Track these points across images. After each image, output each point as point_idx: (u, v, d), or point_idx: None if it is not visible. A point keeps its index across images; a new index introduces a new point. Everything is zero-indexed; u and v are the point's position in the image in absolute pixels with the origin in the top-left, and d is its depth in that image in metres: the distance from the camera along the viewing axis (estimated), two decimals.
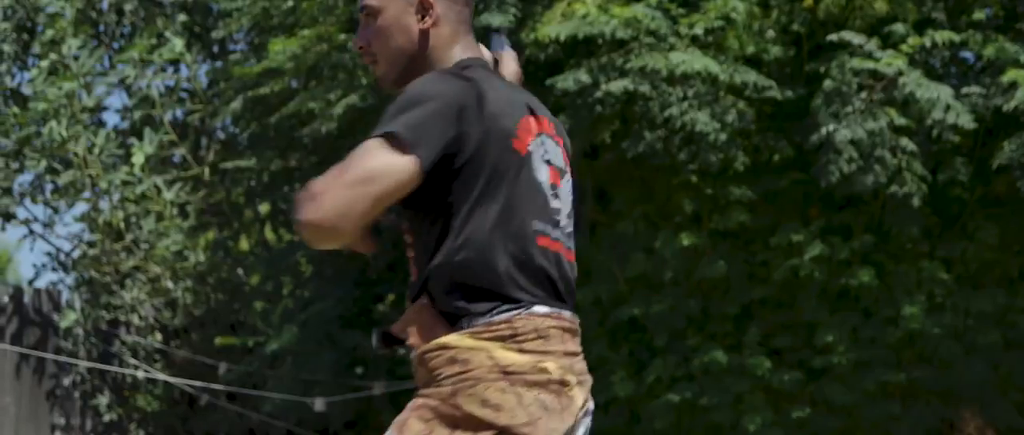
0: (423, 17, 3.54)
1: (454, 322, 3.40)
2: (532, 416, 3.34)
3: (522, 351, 3.37)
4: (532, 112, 3.51)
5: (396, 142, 3.29)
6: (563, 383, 3.39)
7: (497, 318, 3.39)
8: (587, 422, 3.50)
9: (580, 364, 3.49)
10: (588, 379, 3.50)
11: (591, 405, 3.50)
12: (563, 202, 3.54)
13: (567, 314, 3.48)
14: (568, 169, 3.59)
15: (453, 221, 3.41)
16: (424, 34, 3.55)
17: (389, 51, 3.57)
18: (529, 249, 3.43)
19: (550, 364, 3.38)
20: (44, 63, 11.09)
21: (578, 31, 7.83)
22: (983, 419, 8.71)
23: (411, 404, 3.40)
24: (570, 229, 3.57)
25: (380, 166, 3.30)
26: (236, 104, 9.86)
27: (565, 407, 3.39)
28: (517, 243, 3.42)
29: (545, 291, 3.44)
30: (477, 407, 3.34)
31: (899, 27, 7.94)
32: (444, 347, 3.39)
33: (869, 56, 7.79)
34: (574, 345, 3.49)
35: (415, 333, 3.44)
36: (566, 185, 3.57)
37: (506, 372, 3.35)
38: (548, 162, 3.51)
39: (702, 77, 7.78)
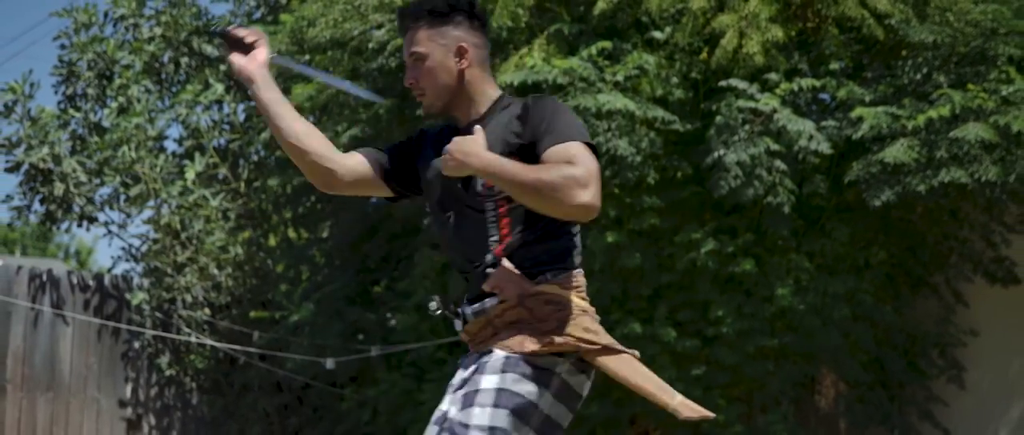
0: (460, 59, 3.60)
1: (533, 277, 3.51)
2: (611, 341, 3.52)
3: (583, 299, 3.56)
4: None
5: (592, 149, 3.44)
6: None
7: (574, 273, 3.58)
8: None
9: None
10: None
11: None
12: None
13: None
14: None
15: None
16: (461, 72, 3.61)
17: (436, 86, 3.63)
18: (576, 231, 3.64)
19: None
20: (114, 104, 11.05)
21: (528, 78, 7.70)
22: (837, 375, 8.69)
23: (516, 337, 3.49)
24: None
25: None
26: (266, 134, 9.81)
27: None
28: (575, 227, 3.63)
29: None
30: (581, 332, 3.47)
31: (773, 75, 7.88)
32: (541, 293, 3.50)
33: (751, 97, 7.74)
34: None
35: (509, 285, 3.51)
36: None
37: (584, 311, 3.52)
38: None
39: (622, 113, 7.67)
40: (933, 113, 7.33)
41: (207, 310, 11.26)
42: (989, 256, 8.55)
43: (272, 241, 11.93)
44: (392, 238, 10.62)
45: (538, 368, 3.46)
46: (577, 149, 3.40)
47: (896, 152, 7.32)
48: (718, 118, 7.75)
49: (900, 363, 8.52)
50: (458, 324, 3.66)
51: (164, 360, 11.28)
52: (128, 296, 11.18)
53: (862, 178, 7.55)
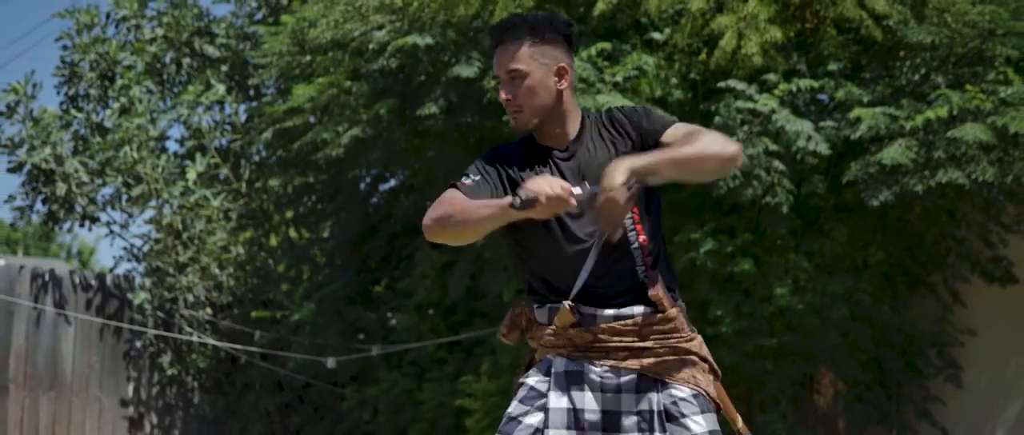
0: (560, 79, 3.60)
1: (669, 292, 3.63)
2: None
3: None
4: None
5: None
6: None
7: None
8: None
9: None
10: None
11: None
12: None
13: None
14: None
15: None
16: (560, 93, 3.61)
17: (534, 105, 3.58)
18: None
19: None
20: (116, 105, 11.06)
21: None
22: (835, 374, 8.68)
23: (674, 359, 3.59)
24: None
25: None
26: (267, 134, 9.79)
27: None
28: None
29: None
30: (708, 354, 3.66)
31: (772, 76, 7.85)
32: (682, 310, 3.63)
33: (749, 98, 7.71)
34: None
35: (667, 300, 3.58)
36: None
37: None
38: None
39: None
40: (931, 114, 7.32)
41: (209, 310, 11.27)
42: (986, 256, 8.54)
43: (273, 241, 11.95)
44: (392, 238, 10.63)
45: (714, 400, 3.65)
46: (686, 124, 3.59)
47: (894, 152, 7.31)
48: (717, 119, 7.72)
49: (898, 362, 8.51)
50: (565, 321, 3.58)
51: (166, 359, 11.29)
52: (130, 296, 11.19)
53: (860, 178, 7.54)
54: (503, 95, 3.61)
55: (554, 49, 3.60)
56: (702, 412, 3.54)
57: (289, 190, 10.73)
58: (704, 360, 3.64)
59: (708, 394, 3.59)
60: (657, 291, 3.54)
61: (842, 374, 8.46)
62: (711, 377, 3.65)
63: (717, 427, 3.58)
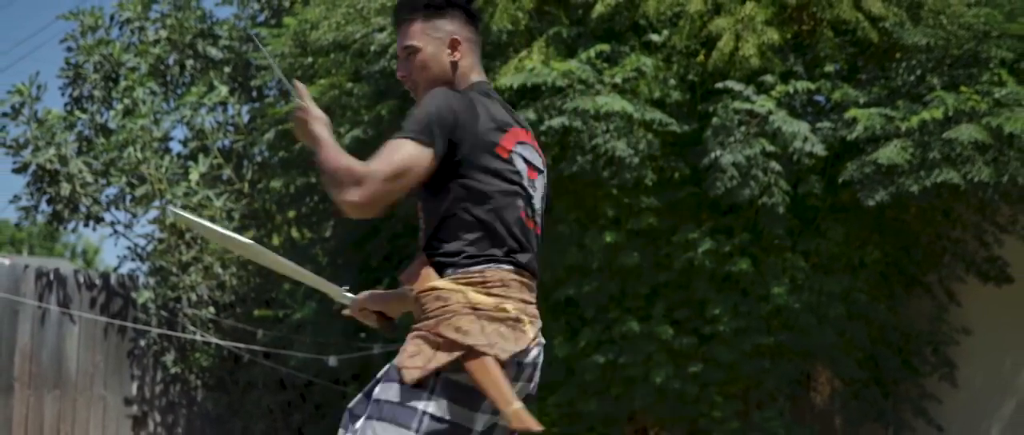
0: (453, 51, 3.61)
1: (441, 271, 3.48)
2: (490, 340, 3.40)
3: (488, 294, 3.45)
4: (516, 125, 3.60)
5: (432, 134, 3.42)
6: (517, 320, 3.48)
7: (473, 269, 3.47)
8: (538, 350, 3.60)
9: (532, 309, 3.57)
10: (539, 321, 3.60)
11: (542, 340, 3.61)
12: (536, 191, 3.63)
13: (527, 271, 3.57)
14: (544, 169, 3.71)
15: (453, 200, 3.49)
16: (453, 65, 3.62)
17: (428, 79, 3.61)
18: (507, 220, 3.50)
19: (508, 305, 3.47)
20: (120, 106, 11.05)
21: (527, 80, 7.72)
22: (832, 372, 8.70)
23: (409, 335, 3.48)
24: (540, 210, 3.68)
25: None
26: (269, 135, 9.81)
27: (518, 338, 3.47)
28: (496, 216, 3.48)
29: (514, 252, 3.52)
30: (451, 332, 3.41)
31: (769, 77, 7.89)
32: (433, 289, 3.47)
33: (747, 99, 7.74)
34: (530, 295, 3.57)
35: (415, 280, 3.51)
36: (540, 180, 3.66)
37: (474, 308, 3.43)
38: (527, 162, 3.58)
39: (620, 115, 7.68)
40: (926, 115, 7.34)
41: (212, 308, 11.27)
42: (982, 255, 8.57)
43: (276, 241, 11.93)
44: (394, 238, 10.63)
45: (403, 368, 3.44)
46: (391, 144, 3.41)
47: (890, 153, 7.33)
48: (715, 120, 7.76)
49: (894, 361, 8.54)
50: None
51: (169, 358, 11.30)
52: (134, 295, 11.20)
53: (856, 179, 7.56)
54: (399, 73, 3.67)
55: (449, 23, 3.62)
56: (382, 381, 3.47)
57: (291, 190, 10.75)
58: (441, 337, 3.42)
59: (400, 367, 3.40)
60: (404, 274, 3.54)
61: (839, 372, 8.48)
62: (456, 354, 3.41)
63: (391, 398, 3.40)
